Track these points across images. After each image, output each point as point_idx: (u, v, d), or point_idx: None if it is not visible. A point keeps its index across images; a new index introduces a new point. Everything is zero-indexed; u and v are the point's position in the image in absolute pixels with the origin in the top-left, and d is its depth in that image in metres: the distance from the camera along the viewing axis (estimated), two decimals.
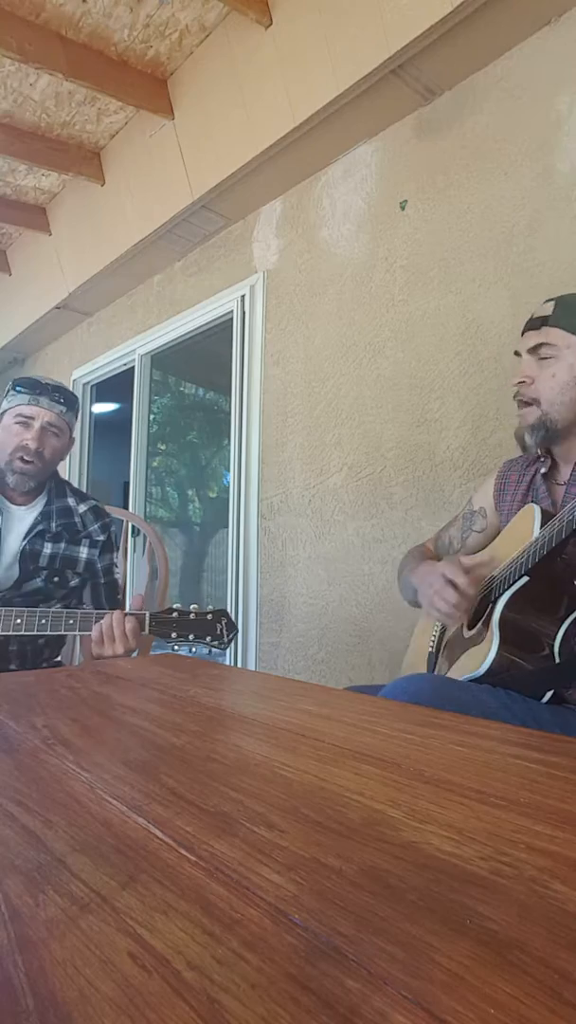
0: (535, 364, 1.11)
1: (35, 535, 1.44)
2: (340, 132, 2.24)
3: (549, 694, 0.99)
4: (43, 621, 1.29)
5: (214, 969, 0.27)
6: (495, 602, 1.05)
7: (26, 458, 1.41)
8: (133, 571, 3.02)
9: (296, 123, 2.16)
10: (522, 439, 1.14)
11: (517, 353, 1.18)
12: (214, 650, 1.35)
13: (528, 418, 1.12)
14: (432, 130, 2.09)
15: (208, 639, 1.34)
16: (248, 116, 2.31)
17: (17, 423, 1.42)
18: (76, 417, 1.52)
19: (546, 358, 1.10)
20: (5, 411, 1.45)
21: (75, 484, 4.01)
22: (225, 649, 1.36)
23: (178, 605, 1.37)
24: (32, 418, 1.42)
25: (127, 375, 3.58)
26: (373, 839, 0.40)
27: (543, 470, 1.17)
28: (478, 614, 1.14)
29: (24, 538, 1.43)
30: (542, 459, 1.18)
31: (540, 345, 1.11)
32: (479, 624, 1.11)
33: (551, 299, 1.14)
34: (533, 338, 1.12)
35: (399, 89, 2.03)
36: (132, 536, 2.84)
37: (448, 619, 1.10)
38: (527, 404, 1.12)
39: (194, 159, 2.56)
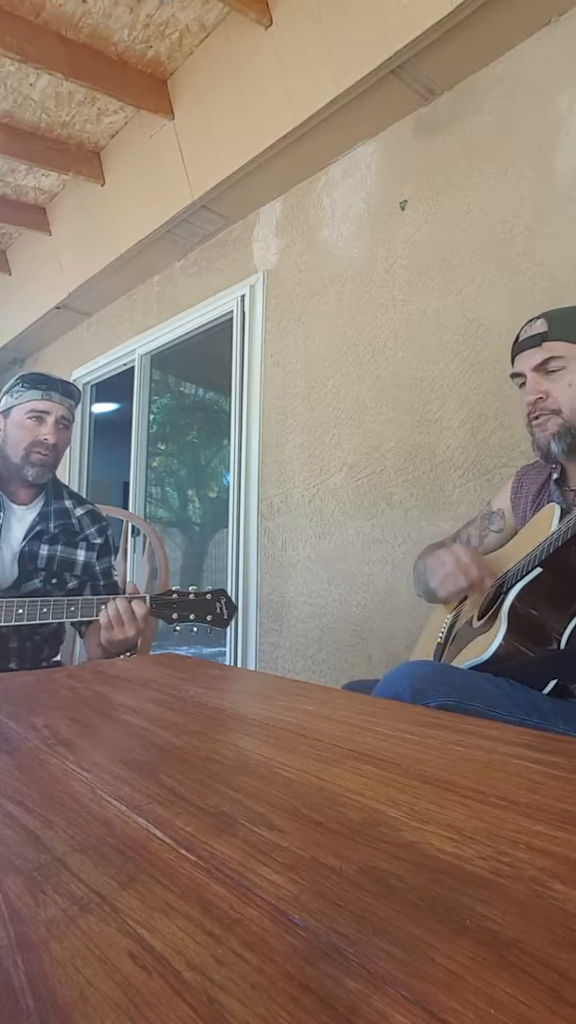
0: (544, 379, 1.13)
1: (33, 536, 1.45)
2: (340, 132, 2.24)
3: (551, 685, 0.99)
4: (44, 610, 1.30)
5: (214, 969, 0.27)
6: (507, 593, 1.05)
7: (43, 452, 1.43)
8: (133, 571, 3.02)
9: (296, 123, 2.16)
10: (546, 449, 1.14)
11: (518, 375, 1.18)
12: (215, 630, 1.37)
13: (550, 427, 1.13)
14: (432, 130, 2.09)
15: (208, 618, 1.36)
16: (248, 116, 2.31)
17: (31, 418, 1.43)
18: (76, 408, 1.54)
19: (556, 371, 1.11)
20: (12, 407, 1.45)
21: (75, 484, 4.03)
22: (225, 627, 1.38)
23: (177, 587, 1.39)
24: (47, 412, 1.44)
25: (127, 375, 3.58)
26: (373, 839, 0.40)
27: (555, 476, 1.18)
28: (489, 605, 1.14)
29: (23, 539, 1.44)
30: (554, 466, 1.19)
31: (547, 360, 1.12)
32: (489, 614, 1.11)
33: (537, 317, 1.16)
34: (536, 356, 1.14)
35: (399, 89, 2.03)
36: (132, 536, 2.84)
37: (447, 577, 1.18)
38: (547, 416, 1.14)
39: (194, 159, 2.56)
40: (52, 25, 2.24)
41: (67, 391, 1.48)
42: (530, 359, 1.14)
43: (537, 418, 1.15)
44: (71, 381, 1.53)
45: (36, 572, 1.44)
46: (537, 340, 1.14)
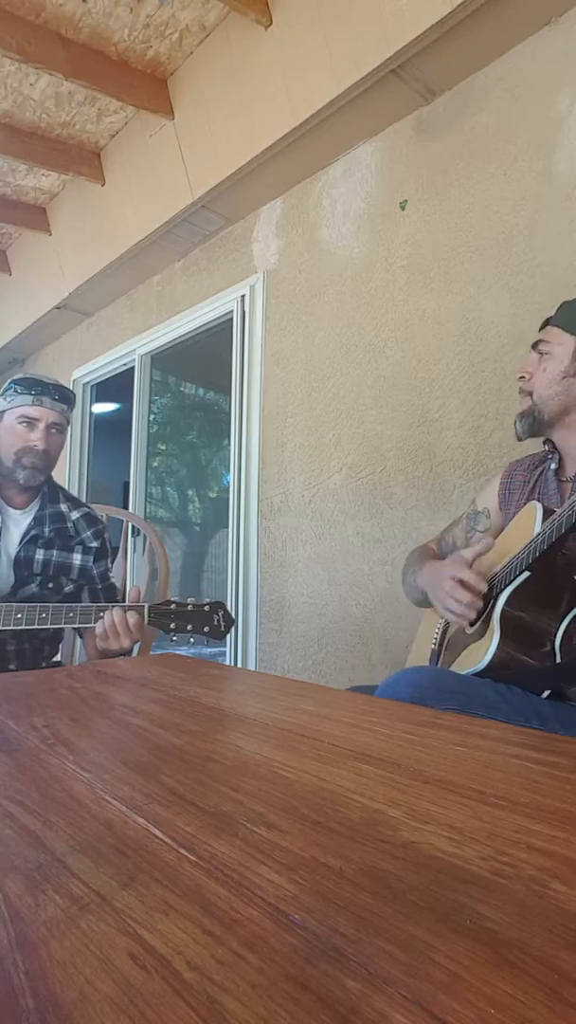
0: (536, 360, 1.19)
1: (28, 541, 1.45)
2: (340, 132, 2.24)
3: (548, 691, 1.00)
4: (43, 615, 1.30)
5: (214, 969, 0.27)
6: (496, 598, 1.05)
7: (33, 458, 1.43)
8: (133, 571, 3.02)
9: (296, 123, 2.16)
10: (515, 426, 1.23)
11: None
12: (212, 640, 1.37)
13: (522, 407, 1.20)
14: (432, 130, 2.09)
15: (206, 630, 1.36)
16: (248, 116, 2.31)
17: (21, 424, 1.43)
18: (72, 412, 1.54)
19: (543, 354, 1.17)
20: (5, 411, 1.45)
21: (75, 484, 4.02)
22: (222, 639, 1.38)
23: (176, 597, 1.39)
24: (37, 419, 1.43)
25: (127, 375, 3.58)
26: (373, 839, 0.40)
27: (553, 466, 1.18)
28: (480, 611, 1.14)
29: (19, 544, 1.44)
30: (551, 455, 1.20)
31: (539, 342, 1.19)
32: (480, 620, 1.11)
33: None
34: (537, 336, 1.20)
35: (399, 89, 2.03)
36: (132, 536, 2.84)
37: (463, 619, 1.10)
38: (523, 395, 1.21)
39: (194, 159, 2.56)
40: (52, 25, 2.24)
41: (60, 396, 1.46)
42: (536, 337, 1.21)
43: (521, 394, 1.22)
44: (66, 385, 1.52)
45: (32, 577, 1.44)
46: (544, 323, 1.20)
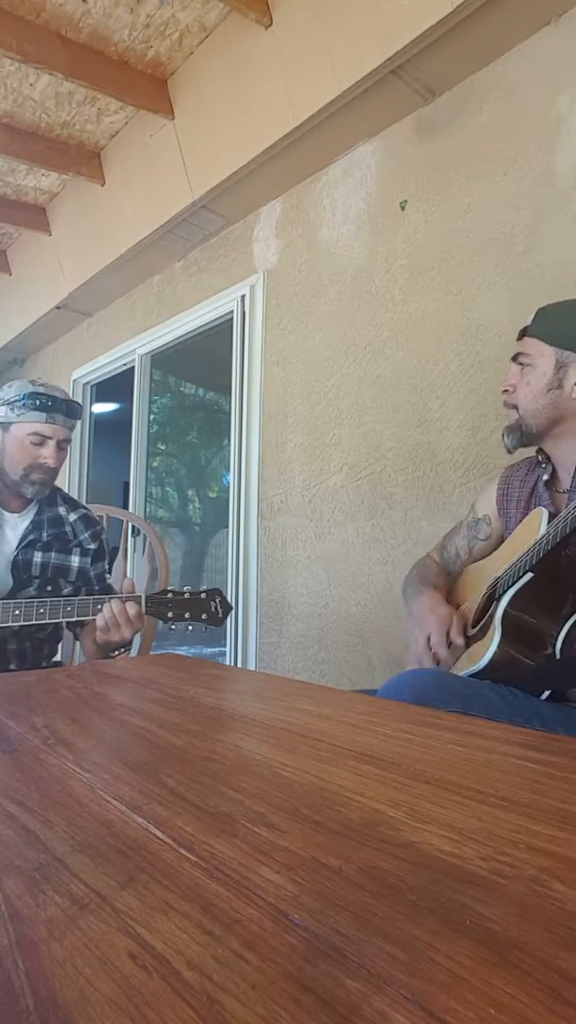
0: (518, 372, 1.17)
1: (26, 544, 1.45)
2: (340, 132, 2.24)
3: (548, 692, 1.00)
4: (42, 611, 1.31)
5: (214, 969, 0.27)
6: (499, 600, 1.05)
7: (43, 474, 1.43)
8: (133, 571, 3.02)
9: (296, 123, 2.16)
10: (503, 439, 1.22)
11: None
12: (211, 628, 1.38)
13: (508, 420, 1.20)
14: (432, 130, 2.09)
15: (203, 617, 1.37)
16: (248, 116, 2.31)
17: (32, 441, 1.41)
18: None
19: (524, 366, 1.16)
20: (13, 423, 1.41)
21: (75, 484, 4.02)
22: (220, 626, 1.39)
23: (172, 586, 1.40)
24: (49, 437, 1.42)
25: (127, 375, 3.58)
26: (373, 839, 0.40)
27: (545, 477, 1.18)
28: (482, 612, 1.14)
29: (17, 548, 1.44)
30: (543, 466, 1.19)
31: (519, 354, 1.17)
32: (483, 622, 1.11)
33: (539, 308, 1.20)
34: (516, 347, 1.19)
35: (399, 89, 2.03)
36: (132, 536, 2.84)
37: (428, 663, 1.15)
38: (509, 409, 1.20)
39: (194, 159, 2.56)
40: (52, 25, 2.24)
41: (70, 412, 1.45)
42: (515, 348, 1.19)
43: (506, 407, 1.21)
44: (72, 397, 1.50)
45: (31, 580, 1.44)
46: (521, 333, 1.18)
